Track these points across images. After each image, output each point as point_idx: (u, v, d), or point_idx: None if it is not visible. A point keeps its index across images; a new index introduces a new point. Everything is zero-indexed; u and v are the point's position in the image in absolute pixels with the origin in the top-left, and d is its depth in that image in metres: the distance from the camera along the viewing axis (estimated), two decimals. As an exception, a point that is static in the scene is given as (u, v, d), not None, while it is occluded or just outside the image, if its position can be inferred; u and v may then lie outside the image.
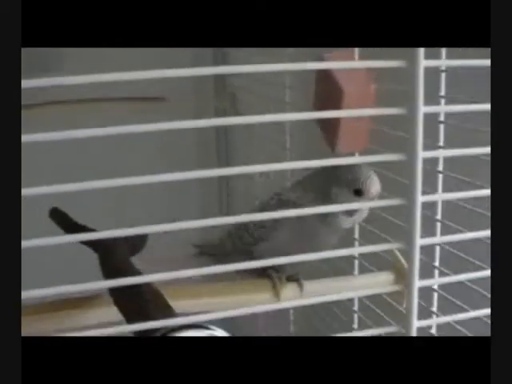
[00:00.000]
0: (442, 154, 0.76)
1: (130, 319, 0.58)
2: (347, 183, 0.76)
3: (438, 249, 0.84)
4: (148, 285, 0.60)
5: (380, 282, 0.82)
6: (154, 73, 0.43)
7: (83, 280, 0.48)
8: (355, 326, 1.01)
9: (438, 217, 0.82)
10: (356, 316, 1.00)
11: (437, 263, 0.84)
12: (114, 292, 0.62)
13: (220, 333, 0.46)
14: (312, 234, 0.78)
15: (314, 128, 0.83)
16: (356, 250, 0.87)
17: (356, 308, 1.00)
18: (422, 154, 0.50)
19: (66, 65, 1.47)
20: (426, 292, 0.75)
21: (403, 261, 0.81)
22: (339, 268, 0.91)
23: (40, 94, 1.38)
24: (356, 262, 0.97)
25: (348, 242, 0.99)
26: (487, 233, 0.51)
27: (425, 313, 0.79)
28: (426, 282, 0.56)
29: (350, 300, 1.00)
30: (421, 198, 0.51)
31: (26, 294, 0.42)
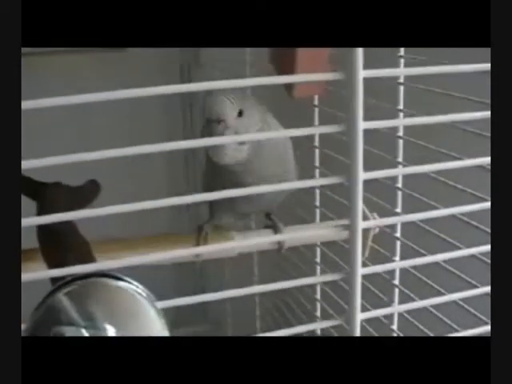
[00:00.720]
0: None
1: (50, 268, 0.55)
2: (203, 113, 0.74)
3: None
4: (76, 235, 0.57)
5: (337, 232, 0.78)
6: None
7: None
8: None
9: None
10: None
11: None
12: (41, 239, 0.59)
13: (135, 285, 0.42)
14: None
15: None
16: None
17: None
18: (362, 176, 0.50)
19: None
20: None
21: (369, 214, 0.78)
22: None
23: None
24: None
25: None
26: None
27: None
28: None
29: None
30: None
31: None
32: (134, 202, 0.46)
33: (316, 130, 0.74)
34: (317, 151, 0.97)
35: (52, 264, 0.57)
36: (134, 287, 0.45)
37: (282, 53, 0.84)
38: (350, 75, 0.48)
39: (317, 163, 0.98)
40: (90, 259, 0.57)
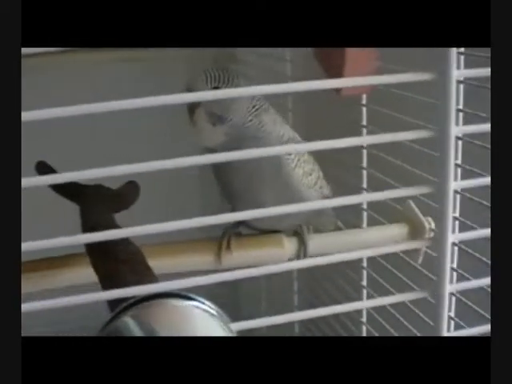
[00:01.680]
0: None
1: (103, 283, 0.51)
2: None
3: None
4: (127, 243, 0.53)
5: (394, 236, 0.74)
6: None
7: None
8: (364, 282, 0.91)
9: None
10: (365, 273, 0.90)
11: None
12: (90, 250, 0.55)
13: (207, 306, 0.38)
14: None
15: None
16: (366, 197, 0.77)
17: (365, 265, 0.91)
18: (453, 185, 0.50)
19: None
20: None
21: (423, 218, 0.74)
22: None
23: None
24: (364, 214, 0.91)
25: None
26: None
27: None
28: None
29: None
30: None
31: None
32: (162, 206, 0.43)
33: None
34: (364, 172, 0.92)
35: (104, 276, 0.54)
36: (205, 307, 0.41)
37: (328, 49, 0.79)
38: (442, 76, 0.44)
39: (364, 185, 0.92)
40: (145, 270, 0.53)
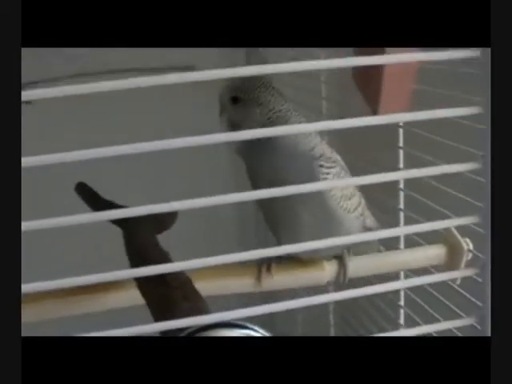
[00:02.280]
0: None
1: (153, 308, 0.52)
2: None
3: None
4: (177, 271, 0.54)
5: (432, 258, 0.74)
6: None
7: (107, 260, 0.42)
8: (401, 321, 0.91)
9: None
10: (403, 293, 0.90)
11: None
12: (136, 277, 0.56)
13: (260, 333, 0.39)
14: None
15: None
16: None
17: (402, 303, 0.94)
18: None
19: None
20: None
21: (461, 239, 0.73)
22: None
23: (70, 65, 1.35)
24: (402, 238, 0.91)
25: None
26: None
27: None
28: None
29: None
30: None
31: (30, 287, 0.42)
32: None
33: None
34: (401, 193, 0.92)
35: (155, 301, 0.54)
36: (259, 335, 0.42)
37: (366, 68, 0.80)
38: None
39: (401, 205, 0.93)
40: (196, 297, 0.53)
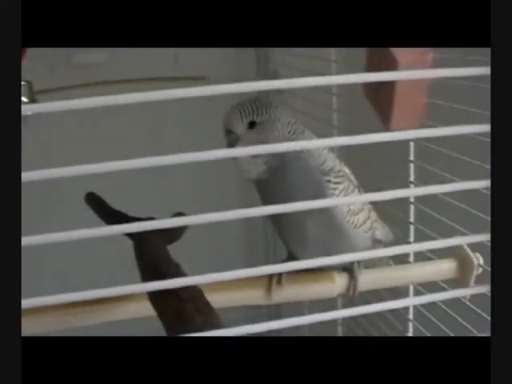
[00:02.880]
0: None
1: (165, 321, 0.52)
2: None
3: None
4: None
5: (442, 272, 0.73)
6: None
7: (116, 271, 0.43)
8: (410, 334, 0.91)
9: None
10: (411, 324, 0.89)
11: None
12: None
13: None
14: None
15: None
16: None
17: (411, 316, 0.93)
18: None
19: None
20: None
21: (471, 254, 0.73)
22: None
23: (83, 73, 1.35)
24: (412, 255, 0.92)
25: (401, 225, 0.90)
26: None
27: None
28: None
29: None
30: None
31: (31, 302, 0.42)
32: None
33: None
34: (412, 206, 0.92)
35: (166, 313, 0.54)
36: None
37: (377, 84, 0.79)
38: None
39: (411, 218, 0.92)
40: (209, 309, 0.53)
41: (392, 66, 0.74)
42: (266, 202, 0.76)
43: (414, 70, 0.74)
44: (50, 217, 1.42)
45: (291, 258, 0.81)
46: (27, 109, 0.41)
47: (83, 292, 0.44)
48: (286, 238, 0.79)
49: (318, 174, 0.74)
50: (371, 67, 0.81)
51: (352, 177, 0.80)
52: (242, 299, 0.73)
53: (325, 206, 0.58)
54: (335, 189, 0.74)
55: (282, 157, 0.72)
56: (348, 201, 0.72)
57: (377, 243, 0.83)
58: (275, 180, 0.73)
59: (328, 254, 0.73)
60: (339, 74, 1.14)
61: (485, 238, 0.52)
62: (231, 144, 0.73)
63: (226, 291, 0.71)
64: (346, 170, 0.79)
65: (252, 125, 0.73)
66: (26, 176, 0.40)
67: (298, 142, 0.70)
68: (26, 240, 0.41)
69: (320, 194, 0.73)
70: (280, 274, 0.76)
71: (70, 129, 1.41)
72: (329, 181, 0.74)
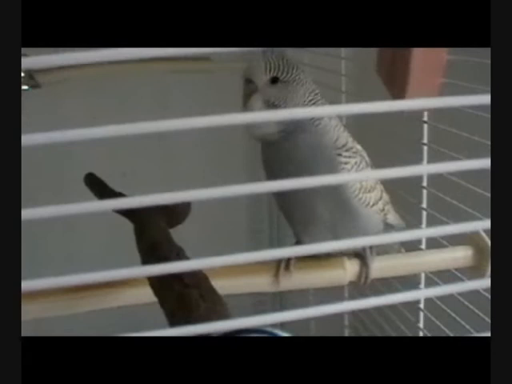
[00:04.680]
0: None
1: (167, 308, 0.50)
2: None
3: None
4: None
5: (457, 259, 0.70)
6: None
7: (117, 256, 0.40)
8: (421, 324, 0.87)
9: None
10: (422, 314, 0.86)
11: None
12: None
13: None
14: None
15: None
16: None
17: (422, 305, 0.92)
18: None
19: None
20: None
21: (487, 239, 0.69)
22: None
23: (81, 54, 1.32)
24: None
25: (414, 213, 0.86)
26: None
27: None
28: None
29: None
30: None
31: (31, 284, 0.40)
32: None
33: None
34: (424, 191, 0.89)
35: (170, 303, 0.50)
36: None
37: (392, 61, 0.76)
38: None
39: (424, 204, 0.90)
40: (215, 296, 0.49)
41: (405, 61, 0.71)
42: (271, 169, 0.74)
43: (429, 66, 0.71)
44: (51, 198, 1.39)
45: (299, 242, 0.77)
46: (28, 63, 0.40)
47: (78, 275, 0.42)
48: (292, 217, 0.76)
49: (330, 150, 0.72)
50: (383, 64, 0.78)
51: (364, 154, 0.78)
52: (249, 286, 0.71)
53: (336, 183, 0.54)
54: (346, 163, 0.73)
55: (296, 124, 0.70)
56: (359, 177, 0.68)
57: (389, 228, 0.80)
58: (285, 147, 0.71)
59: (337, 235, 0.71)
60: (348, 72, 1.11)
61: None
62: (248, 94, 0.71)
63: (231, 277, 0.69)
64: (359, 147, 0.78)
65: (274, 80, 0.71)
66: (26, 139, 0.39)
67: (314, 108, 0.68)
68: (25, 213, 0.39)
69: (331, 169, 0.72)
70: (289, 260, 0.73)
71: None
72: (340, 154, 0.72)
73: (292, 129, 0.70)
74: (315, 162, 0.70)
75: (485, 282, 0.57)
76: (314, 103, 0.71)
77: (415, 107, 0.50)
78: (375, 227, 0.78)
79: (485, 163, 0.47)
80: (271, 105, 0.70)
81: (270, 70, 0.70)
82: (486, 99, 0.46)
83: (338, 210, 0.73)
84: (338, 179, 0.57)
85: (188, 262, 0.46)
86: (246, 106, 0.70)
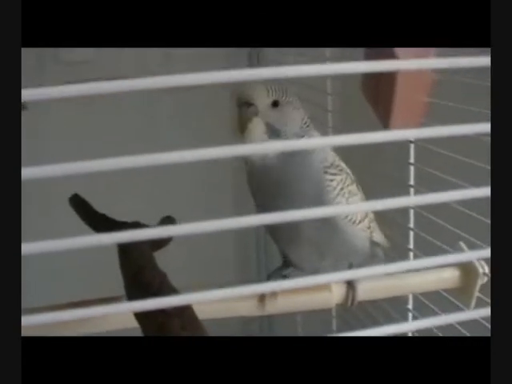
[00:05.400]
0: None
1: (147, 334, 0.47)
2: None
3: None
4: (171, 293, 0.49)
5: (444, 281, 0.69)
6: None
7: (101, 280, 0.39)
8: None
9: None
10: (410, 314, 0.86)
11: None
12: (133, 299, 0.51)
13: None
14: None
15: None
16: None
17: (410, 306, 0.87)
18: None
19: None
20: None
21: (476, 262, 0.69)
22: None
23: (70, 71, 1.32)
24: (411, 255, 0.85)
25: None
26: None
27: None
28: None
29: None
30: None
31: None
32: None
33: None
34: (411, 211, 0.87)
35: (151, 331, 0.49)
36: None
37: (377, 79, 0.75)
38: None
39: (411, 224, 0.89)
40: (195, 325, 0.48)
41: (391, 80, 0.71)
42: (258, 188, 0.74)
43: (414, 85, 0.70)
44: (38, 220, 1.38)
45: (285, 261, 0.77)
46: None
47: (54, 313, 0.41)
48: (278, 235, 0.76)
49: (318, 167, 0.72)
50: (368, 83, 0.78)
51: (349, 171, 0.79)
52: (234, 310, 0.69)
53: (325, 216, 0.53)
54: (332, 180, 0.73)
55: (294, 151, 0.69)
56: (347, 210, 0.68)
57: (375, 246, 0.79)
58: (274, 166, 0.71)
59: (323, 252, 0.70)
60: (334, 90, 1.11)
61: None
62: (247, 118, 0.69)
63: (217, 302, 0.66)
64: (343, 165, 0.78)
65: (276, 104, 0.71)
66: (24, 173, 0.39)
67: (310, 139, 0.69)
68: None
69: (318, 185, 0.72)
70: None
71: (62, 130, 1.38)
72: (326, 172, 0.73)
73: (289, 153, 0.69)
74: (303, 180, 0.71)
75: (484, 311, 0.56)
76: (307, 126, 0.72)
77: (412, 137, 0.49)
78: (361, 245, 0.78)
79: (485, 191, 0.46)
80: (271, 128, 0.70)
81: (272, 93, 0.70)
82: (484, 128, 0.46)
83: (324, 228, 0.72)
84: (326, 212, 0.56)
85: (172, 297, 0.45)
86: (246, 130, 0.69)
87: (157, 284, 0.57)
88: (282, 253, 0.79)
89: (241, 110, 0.70)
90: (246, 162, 0.71)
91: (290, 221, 0.55)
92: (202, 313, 0.55)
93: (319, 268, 0.76)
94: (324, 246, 0.73)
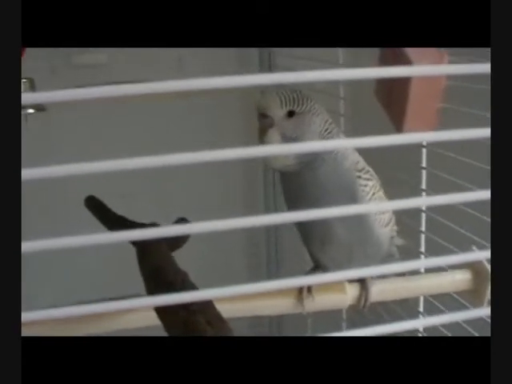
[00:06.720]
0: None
1: (173, 333, 0.49)
2: None
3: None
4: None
5: (456, 283, 0.70)
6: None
7: (118, 278, 0.40)
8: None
9: None
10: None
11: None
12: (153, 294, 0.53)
13: None
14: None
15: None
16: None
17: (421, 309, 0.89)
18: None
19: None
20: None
21: (487, 265, 0.70)
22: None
23: (83, 74, 1.34)
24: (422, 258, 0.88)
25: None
26: None
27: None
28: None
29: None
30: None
31: (29, 316, 0.40)
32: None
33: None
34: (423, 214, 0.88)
35: (175, 329, 0.50)
36: None
37: (390, 85, 0.76)
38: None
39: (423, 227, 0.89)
40: (220, 322, 0.49)
41: (404, 85, 0.72)
42: (291, 196, 0.75)
43: (427, 91, 0.71)
44: (51, 222, 1.39)
45: (316, 265, 0.79)
46: (27, 98, 0.40)
47: (83, 306, 0.42)
48: (309, 234, 0.77)
49: (351, 173, 0.73)
50: (382, 88, 0.79)
51: (376, 176, 0.79)
52: (272, 308, 0.72)
53: (356, 213, 0.54)
54: (366, 185, 0.74)
55: (315, 153, 0.70)
56: (374, 208, 0.69)
57: (393, 248, 0.81)
58: (305, 176, 0.72)
59: (352, 255, 0.71)
60: (346, 95, 1.12)
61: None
62: (264, 129, 0.71)
63: (251, 300, 0.68)
64: (372, 171, 0.78)
65: (291, 114, 0.71)
66: (25, 174, 0.38)
67: (331, 140, 0.69)
68: (24, 246, 0.39)
69: (352, 191, 0.73)
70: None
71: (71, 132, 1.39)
72: (359, 177, 0.73)
73: (311, 159, 0.70)
74: (336, 188, 0.71)
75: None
76: (329, 132, 0.72)
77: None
78: (387, 247, 0.79)
79: (485, 194, 0.48)
80: (288, 138, 0.70)
81: (285, 104, 0.70)
82: (485, 132, 0.46)
83: (356, 229, 0.74)
84: (359, 209, 0.57)
85: (197, 292, 0.46)
86: (262, 141, 0.70)
87: (179, 283, 0.58)
88: (311, 255, 0.80)
89: (259, 120, 0.71)
90: (273, 170, 0.73)
91: (302, 220, 0.57)
92: (234, 311, 0.57)
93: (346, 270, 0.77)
94: (355, 247, 0.74)
